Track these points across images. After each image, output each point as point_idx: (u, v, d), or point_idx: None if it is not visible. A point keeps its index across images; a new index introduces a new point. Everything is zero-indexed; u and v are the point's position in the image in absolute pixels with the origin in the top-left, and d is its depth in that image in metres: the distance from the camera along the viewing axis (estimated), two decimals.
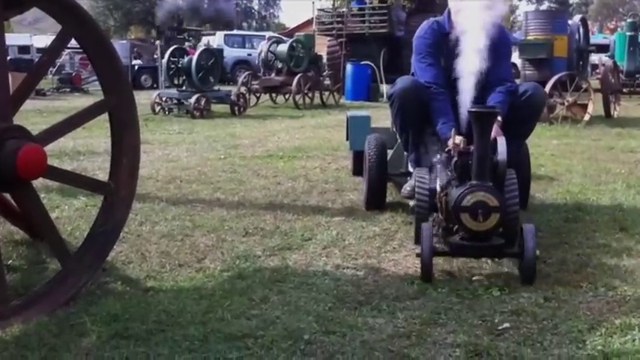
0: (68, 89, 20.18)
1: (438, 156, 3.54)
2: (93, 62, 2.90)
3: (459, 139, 3.31)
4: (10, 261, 3.20)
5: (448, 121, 3.71)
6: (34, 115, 11.00)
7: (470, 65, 3.52)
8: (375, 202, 4.35)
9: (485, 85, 3.78)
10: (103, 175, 3.24)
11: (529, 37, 10.55)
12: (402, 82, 4.03)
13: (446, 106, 3.82)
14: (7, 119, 2.53)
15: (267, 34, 24.60)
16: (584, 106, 10.09)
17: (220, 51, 14.85)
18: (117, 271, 3.11)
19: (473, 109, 3.06)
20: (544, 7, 51.32)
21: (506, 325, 2.50)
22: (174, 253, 3.40)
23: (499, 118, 3.56)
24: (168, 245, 3.52)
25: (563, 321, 2.53)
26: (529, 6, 55.08)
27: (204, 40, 22.14)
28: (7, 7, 2.65)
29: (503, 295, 2.83)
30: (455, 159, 3.21)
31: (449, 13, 4.04)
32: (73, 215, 4.12)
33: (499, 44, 3.84)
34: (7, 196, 3.23)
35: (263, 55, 15.59)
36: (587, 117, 9.95)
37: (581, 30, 10.99)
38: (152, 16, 49.19)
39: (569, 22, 11.16)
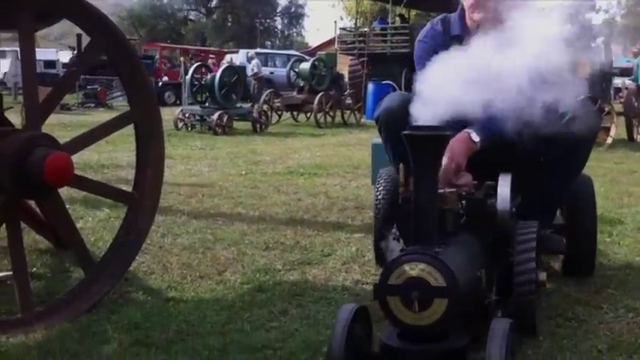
0: (93, 104, 20.46)
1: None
2: (120, 75, 2.96)
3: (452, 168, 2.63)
4: (35, 269, 3.25)
5: None
6: (59, 129, 11.13)
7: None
8: (379, 255, 3.15)
9: None
10: (126, 188, 3.28)
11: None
12: (389, 100, 3.09)
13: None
14: (36, 127, 2.59)
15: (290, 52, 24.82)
16: (607, 130, 10.04)
17: (243, 68, 15.01)
18: (139, 281, 3.15)
19: (408, 132, 2.03)
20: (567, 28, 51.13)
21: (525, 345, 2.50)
22: (196, 265, 3.43)
23: None
24: (190, 257, 3.56)
25: (582, 340, 2.52)
26: None
27: (227, 57, 22.37)
28: (37, 19, 2.72)
29: None
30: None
31: (462, 11, 3.08)
32: (96, 226, 4.17)
33: None
34: (33, 205, 3.30)
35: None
36: (609, 140, 9.90)
37: (603, 52, 10.97)
38: (176, 34, 49.87)
39: (592, 44, 11.15)
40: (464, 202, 2.45)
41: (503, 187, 2.50)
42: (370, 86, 16.91)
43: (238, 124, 12.95)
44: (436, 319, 1.96)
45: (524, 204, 2.80)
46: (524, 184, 2.75)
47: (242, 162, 7.84)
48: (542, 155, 2.90)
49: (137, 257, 3.12)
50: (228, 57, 23.20)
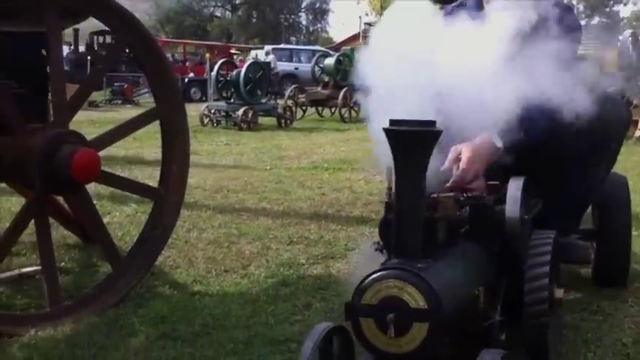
0: (120, 101, 20.68)
1: None
2: (145, 71, 3.00)
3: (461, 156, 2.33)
4: (63, 263, 3.30)
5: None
6: (87, 126, 11.25)
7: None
8: None
9: None
10: (152, 184, 3.32)
11: (578, 52, 10.45)
12: None
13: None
14: (64, 124, 2.63)
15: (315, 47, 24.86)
16: (635, 123, 9.91)
17: (268, 64, 15.05)
18: (165, 275, 3.19)
19: (388, 127, 1.76)
20: (594, 21, 50.60)
21: None
22: (221, 259, 3.46)
23: None
24: (215, 252, 3.59)
25: (607, 334, 2.51)
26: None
27: (253, 53, 22.47)
28: (64, 16, 2.76)
29: None
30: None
31: None
32: (123, 221, 4.23)
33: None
34: (61, 200, 3.36)
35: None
36: (637, 133, 9.78)
37: (631, 45, 10.83)
38: (202, 31, 50.12)
39: (620, 36, 11.01)
40: (467, 208, 2.15)
41: (514, 191, 2.18)
42: None
43: (263, 120, 12.99)
44: (415, 346, 1.67)
45: (546, 208, 2.56)
46: (545, 186, 2.54)
47: (267, 157, 7.87)
48: (566, 153, 2.59)
49: (163, 252, 3.15)
50: (253, 53, 23.30)
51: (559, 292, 2.21)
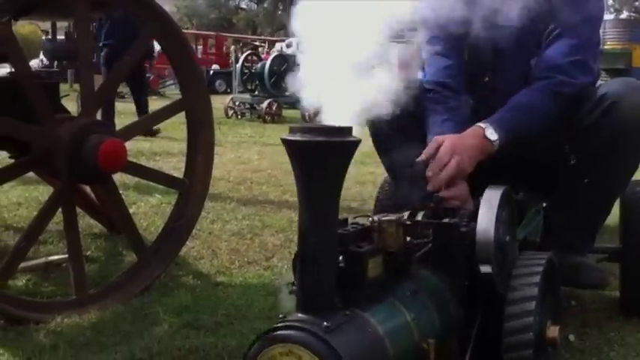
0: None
1: None
2: (172, 63, 3.02)
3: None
4: (89, 252, 3.34)
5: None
6: None
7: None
8: None
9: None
10: (177, 175, 3.35)
11: (606, 47, 10.34)
12: None
13: (450, 123, 2.33)
14: (92, 115, 2.67)
15: None
16: None
17: (293, 57, 15.04)
18: (189, 266, 3.22)
19: (286, 135, 1.39)
20: (623, 15, 49.86)
21: (572, 336, 2.47)
22: (244, 250, 3.48)
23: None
24: (238, 243, 3.62)
25: (630, 333, 2.49)
26: (607, 15, 53.64)
27: (278, 46, 22.53)
28: (93, 8, 2.79)
29: (571, 307, 2.79)
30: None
31: None
32: (148, 211, 4.27)
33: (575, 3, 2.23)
34: (88, 191, 3.40)
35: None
36: None
37: None
38: (228, 23, 50.23)
39: None
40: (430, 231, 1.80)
41: (488, 206, 1.77)
42: None
43: (287, 112, 13.01)
44: None
45: (551, 221, 2.33)
46: (549, 192, 2.31)
47: None
48: (576, 152, 2.30)
49: (187, 242, 3.18)
50: (278, 45, 23.27)
51: (553, 331, 1.81)
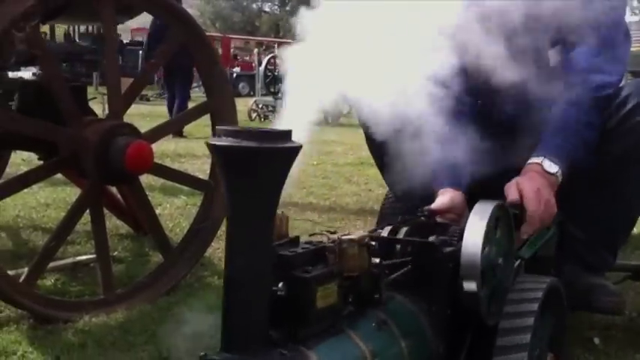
0: None
1: None
2: (197, 66, 3.05)
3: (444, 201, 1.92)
4: (116, 252, 3.38)
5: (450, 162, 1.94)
6: (138, 119, 11.47)
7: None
8: None
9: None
10: (202, 177, 3.38)
11: (632, 49, 10.21)
12: None
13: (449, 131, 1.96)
14: (118, 117, 2.70)
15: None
16: None
17: None
18: (214, 267, 3.25)
19: (212, 140, 1.18)
20: None
21: (597, 339, 2.45)
22: None
23: (550, 167, 1.91)
24: None
25: None
26: (632, 17, 52.94)
27: None
28: (118, 12, 2.83)
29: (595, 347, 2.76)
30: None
31: None
32: (174, 213, 4.31)
33: None
34: (115, 192, 3.45)
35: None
36: None
37: None
38: (251, 26, 50.44)
39: None
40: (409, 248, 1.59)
41: (476, 222, 1.55)
42: None
43: None
44: None
45: (569, 236, 2.13)
46: (568, 204, 2.01)
47: (314, 152, 7.90)
48: (596, 158, 2.02)
49: (212, 243, 3.20)
50: None
51: None
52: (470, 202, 1.98)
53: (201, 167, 6.06)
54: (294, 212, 4.45)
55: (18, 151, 3.52)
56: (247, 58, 27.82)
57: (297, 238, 1.44)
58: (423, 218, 1.81)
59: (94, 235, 2.72)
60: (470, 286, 1.51)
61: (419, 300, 1.55)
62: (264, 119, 13.02)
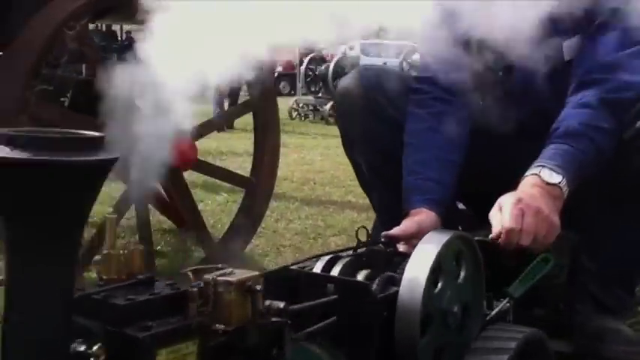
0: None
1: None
2: None
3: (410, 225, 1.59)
4: (159, 247, 3.46)
5: (426, 175, 1.74)
6: None
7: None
8: None
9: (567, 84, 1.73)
10: (243, 174, 3.43)
11: None
12: (352, 77, 2.05)
13: (432, 136, 1.81)
14: None
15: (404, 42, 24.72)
16: None
17: (357, 58, 15.09)
18: (254, 262, 3.29)
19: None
20: None
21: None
22: (307, 249, 3.54)
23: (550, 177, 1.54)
24: (302, 242, 3.68)
25: None
26: None
27: (341, 48, 22.58)
28: None
29: None
30: None
31: None
32: (215, 209, 4.39)
33: None
34: (159, 188, 3.51)
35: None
36: None
37: None
38: None
39: None
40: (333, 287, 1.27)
41: (419, 261, 1.24)
42: None
43: None
44: None
45: (579, 268, 1.77)
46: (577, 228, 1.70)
47: None
48: (611, 176, 1.68)
49: (252, 240, 3.26)
50: (342, 47, 23.34)
51: None
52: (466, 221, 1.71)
53: (242, 164, 6.12)
54: (332, 210, 4.49)
55: None
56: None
57: (152, 278, 1.12)
58: (381, 246, 1.48)
59: (138, 230, 2.79)
60: (406, 338, 1.20)
61: (341, 355, 1.20)
62: (305, 118, 13.08)
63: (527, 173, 1.59)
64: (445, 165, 1.77)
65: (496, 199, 1.55)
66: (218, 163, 6.30)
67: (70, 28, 2.46)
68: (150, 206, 3.31)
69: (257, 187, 3.11)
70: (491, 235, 1.48)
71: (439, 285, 1.27)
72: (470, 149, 1.82)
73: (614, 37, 1.68)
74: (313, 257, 1.43)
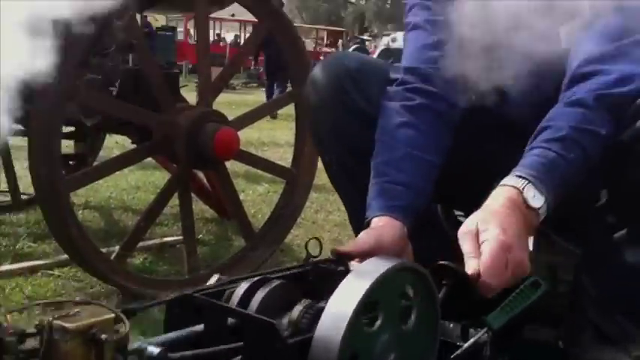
0: (255, 84, 21.30)
1: None
2: (284, 56, 3.12)
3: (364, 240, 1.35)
4: (201, 235, 3.50)
5: (394, 178, 1.52)
6: (224, 107, 11.71)
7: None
8: None
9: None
10: (284, 165, 3.46)
11: None
12: (327, 63, 1.79)
13: (408, 132, 1.56)
14: (208, 104, 2.81)
15: None
16: None
17: (400, 51, 15.04)
18: (293, 252, 3.32)
19: None
20: None
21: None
22: (346, 241, 3.53)
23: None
24: (340, 234, 3.69)
25: None
26: None
27: (385, 40, 22.50)
28: (211, 2, 2.93)
29: None
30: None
31: None
32: (256, 199, 4.43)
33: None
34: (202, 177, 3.57)
35: None
36: None
37: None
38: (335, 16, 50.53)
39: None
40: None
41: (342, 300, 0.97)
42: None
43: None
44: None
45: (579, 291, 1.51)
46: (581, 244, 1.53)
47: None
48: (609, 186, 1.46)
49: (292, 230, 3.28)
50: (385, 39, 23.23)
51: None
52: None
53: (283, 155, 6.15)
54: None
55: (113, 135, 3.69)
56: (332, 49, 27.95)
57: None
58: (330, 264, 1.24)
59: (182, 218, 2.84)
60: None
61: None
62: None
63: (508, 181, 1.32)
64: (420, 166, 1.52)
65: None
66: (260, 153, 6.38)
67: (118, 18, 2.51)
68: (193, 195, 3.37)
69: (297, 178, 3.13)
70: (466, 271, 1.21)
71: (375, 325, 0.99)
72: (467, 149, 1.60)
73: (609, 25, 1.41)
74: (245, 277, 1.18)
